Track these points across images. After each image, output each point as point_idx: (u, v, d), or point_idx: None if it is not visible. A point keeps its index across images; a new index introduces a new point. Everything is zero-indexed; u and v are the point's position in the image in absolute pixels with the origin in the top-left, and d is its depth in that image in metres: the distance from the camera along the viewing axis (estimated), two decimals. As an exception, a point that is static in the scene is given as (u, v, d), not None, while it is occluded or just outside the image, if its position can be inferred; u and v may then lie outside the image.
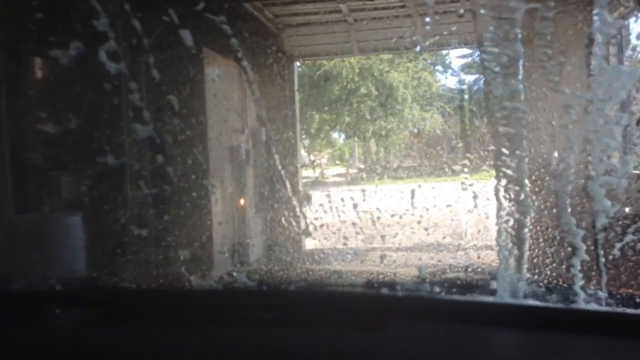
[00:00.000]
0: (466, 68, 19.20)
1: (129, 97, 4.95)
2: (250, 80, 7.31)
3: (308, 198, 8.05)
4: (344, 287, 1.77)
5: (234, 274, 1.75)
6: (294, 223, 7.65)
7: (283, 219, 7.15)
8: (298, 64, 10.15)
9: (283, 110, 7.88)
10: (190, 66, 5.84)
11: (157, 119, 5.31)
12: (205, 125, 5.83)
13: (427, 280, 1.58)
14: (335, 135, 20.20)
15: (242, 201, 7.14)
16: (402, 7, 7.02)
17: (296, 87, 8.82)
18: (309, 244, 7.46)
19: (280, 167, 7.07)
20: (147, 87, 5.16)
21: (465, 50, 17.90)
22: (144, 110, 5.06)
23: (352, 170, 19.14)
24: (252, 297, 1.53)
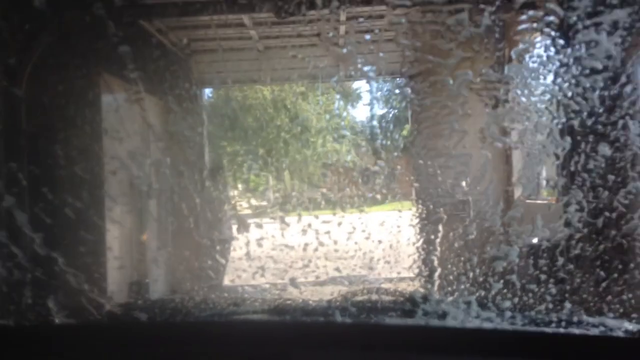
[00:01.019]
0: (378, 101, 19.68)
1: (10, 123, 4.45)
2: (154, 107, 6.92)
3: (244, 227, 7.61)
4: (248, 314, 1.61)
5: (125, 306, 1.67)
6: (199, 258, 7.24)
7: (188, 255, 6.73)
8: (208, 92, 9.85)
9: (190, 140, 7.50)
10: (85, 90, 5.40)
11: (43, 147, 4.81)
12: (100, 154, 5.37)
13: (338, 303, 1.49)
14: (247, 167, 19.95)
15: (144, 237, 6.65)
16: (315, 35, 6.95)
17: (205, 116, 8.50)
18: (214, 280, 7.08)
19: (186, 200, 6.67)
20: (30, 112, 4.68)
21: (378, 84, 18.37)
22: (26, 138, 4.54)
23: (265, 203, 18.89)
24: (146, 330, 1.36)
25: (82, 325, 1.50)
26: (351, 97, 19.88)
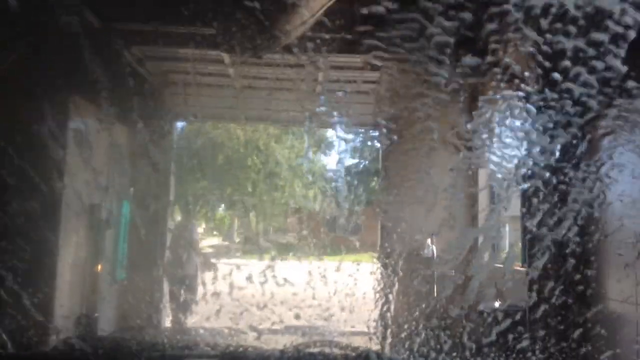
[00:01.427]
0: (349, 150, 19.83)
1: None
2: (123, 135, 6.79)
3: (209, 266, 7.40)
4: (199, 359, 1.56)
5: (73, 341, 1.54)
6: (155, 295, 6.99)
7: (144, 290, 6.47)
8: (180, 125, 9.76)
9: (157, 172, 7.35)
10: (51, 109, 5.24)
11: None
12: (61, 177, 5.19)
13: (290, 354, 1.47)
14: (214, 205, 19.69)
15: (98, 267, 6.38)
16: (294, 80, 6.98)
17: (174, 149, 8.38)
18: (169, 320, 6.83)
19: (146, 232, 6.47)
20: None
21: (350, 134, 18.53)
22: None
23: (229, 243, 18.59)
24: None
25: (25, 358, 1.46)
26: (324, 145, 20.00)
